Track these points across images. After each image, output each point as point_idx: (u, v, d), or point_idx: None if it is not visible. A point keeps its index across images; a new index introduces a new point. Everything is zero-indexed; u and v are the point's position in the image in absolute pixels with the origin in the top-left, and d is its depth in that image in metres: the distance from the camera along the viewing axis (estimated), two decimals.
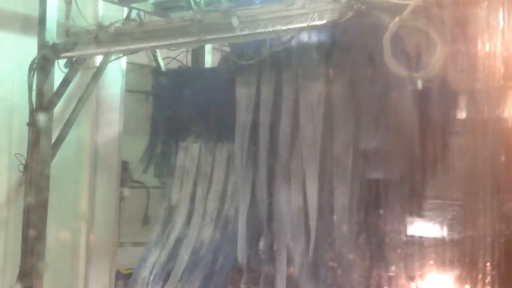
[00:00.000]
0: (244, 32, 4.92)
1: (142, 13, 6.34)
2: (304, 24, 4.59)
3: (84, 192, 6.61)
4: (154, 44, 5.48)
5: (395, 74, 4.15)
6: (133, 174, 7.79)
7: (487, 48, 3.83)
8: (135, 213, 7.97)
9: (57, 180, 6.06)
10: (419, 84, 4.09)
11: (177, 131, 6.49)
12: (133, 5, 6.16)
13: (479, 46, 3.86)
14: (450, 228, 4.35)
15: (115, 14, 6.31)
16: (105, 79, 6.62)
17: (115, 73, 6.80)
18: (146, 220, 8.16)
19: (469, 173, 3.93)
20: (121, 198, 7.25)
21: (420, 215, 4.60)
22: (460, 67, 4.03)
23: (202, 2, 5.48)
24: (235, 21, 4.90)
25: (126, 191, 7.23)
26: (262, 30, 4.83)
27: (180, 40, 5.29)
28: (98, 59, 6.40)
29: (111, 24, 5.67)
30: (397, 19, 4.02)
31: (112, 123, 6.90)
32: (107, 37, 5.63)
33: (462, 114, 4.10)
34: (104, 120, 6.80)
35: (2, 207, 5.96)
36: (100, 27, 5.74)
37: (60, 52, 5.84)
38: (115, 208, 6.97)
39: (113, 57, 6.35)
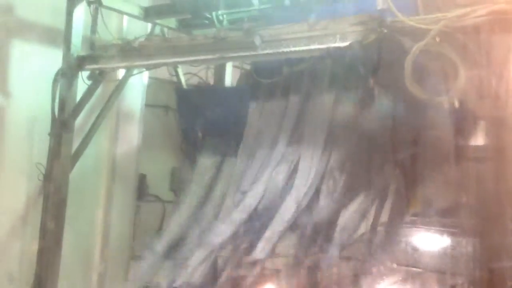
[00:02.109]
0: (266, 51, 4.97)
1: (165, 29, 6.44)
2: (327, 45, 4.63)
3: (100, 204, 6.65)
4: (177, 59, 5.55)
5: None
6: (149, 188, 7.84)
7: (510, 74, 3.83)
8: (150, 227, 7.99)
9: (75, 191, 6.09)
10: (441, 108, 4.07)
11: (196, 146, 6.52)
12: (157, 21, 6.26)
13: (501, 72, 3.86)
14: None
15: (139, 30, 6.40)
16: (126, 93, 6.70)
17: (137, 87, 6.88)
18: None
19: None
20: (137, 212, 7.29)
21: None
22: (481, 93, 4.01)
23: (225, 20, 5.59)
24: (257, 40, 4.95)
25: (142, 205, 7.25)
26: (284, 50, 4.88)
27: (202, 57, 5.35)
28: (121, 73, 6.48)
29: (136, 38, 5.76)
30: (419, 43, 4.04)
31: (131, 136, 6.96)
32: (131, 51, 5.71)
33: (482, 140, 4.07)
34: (123, 133, 6.85)
35: (20, 215, 6.00)
36: (125, 41, 5.84)
37: (84, 64, 5.92)
38: (131, 221, 6.99)
39: (135, 71, 6.43)
